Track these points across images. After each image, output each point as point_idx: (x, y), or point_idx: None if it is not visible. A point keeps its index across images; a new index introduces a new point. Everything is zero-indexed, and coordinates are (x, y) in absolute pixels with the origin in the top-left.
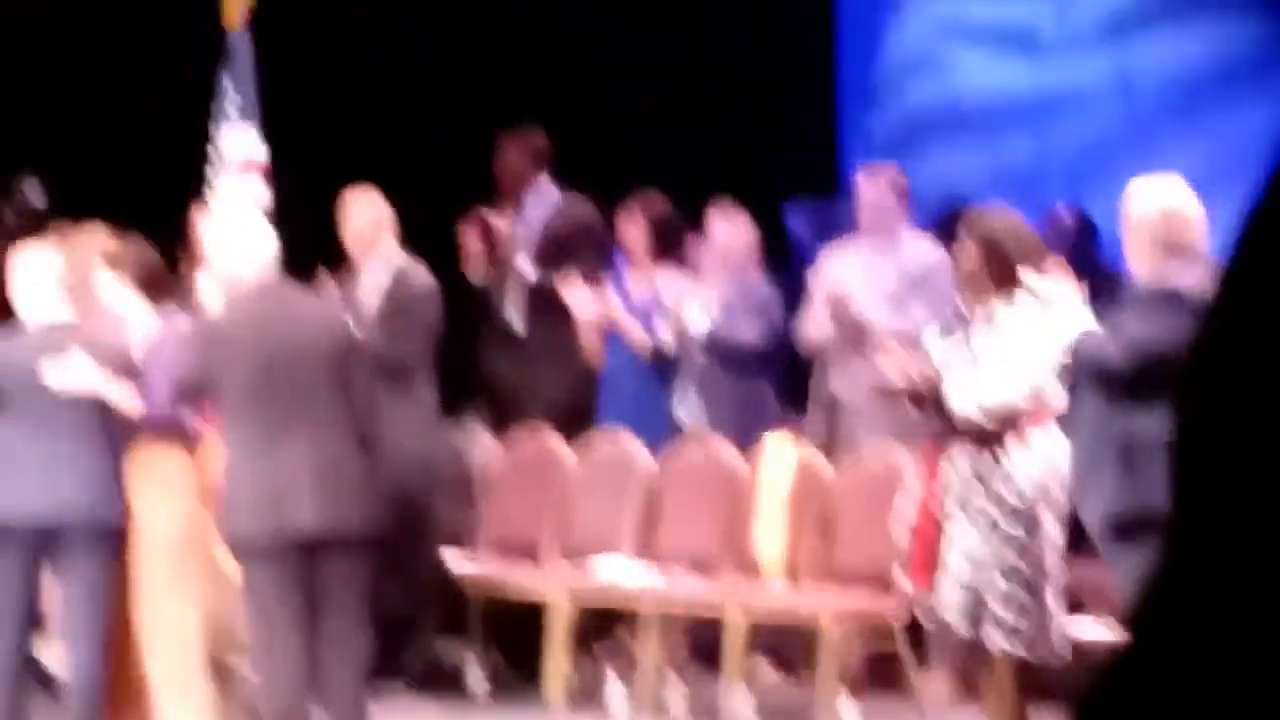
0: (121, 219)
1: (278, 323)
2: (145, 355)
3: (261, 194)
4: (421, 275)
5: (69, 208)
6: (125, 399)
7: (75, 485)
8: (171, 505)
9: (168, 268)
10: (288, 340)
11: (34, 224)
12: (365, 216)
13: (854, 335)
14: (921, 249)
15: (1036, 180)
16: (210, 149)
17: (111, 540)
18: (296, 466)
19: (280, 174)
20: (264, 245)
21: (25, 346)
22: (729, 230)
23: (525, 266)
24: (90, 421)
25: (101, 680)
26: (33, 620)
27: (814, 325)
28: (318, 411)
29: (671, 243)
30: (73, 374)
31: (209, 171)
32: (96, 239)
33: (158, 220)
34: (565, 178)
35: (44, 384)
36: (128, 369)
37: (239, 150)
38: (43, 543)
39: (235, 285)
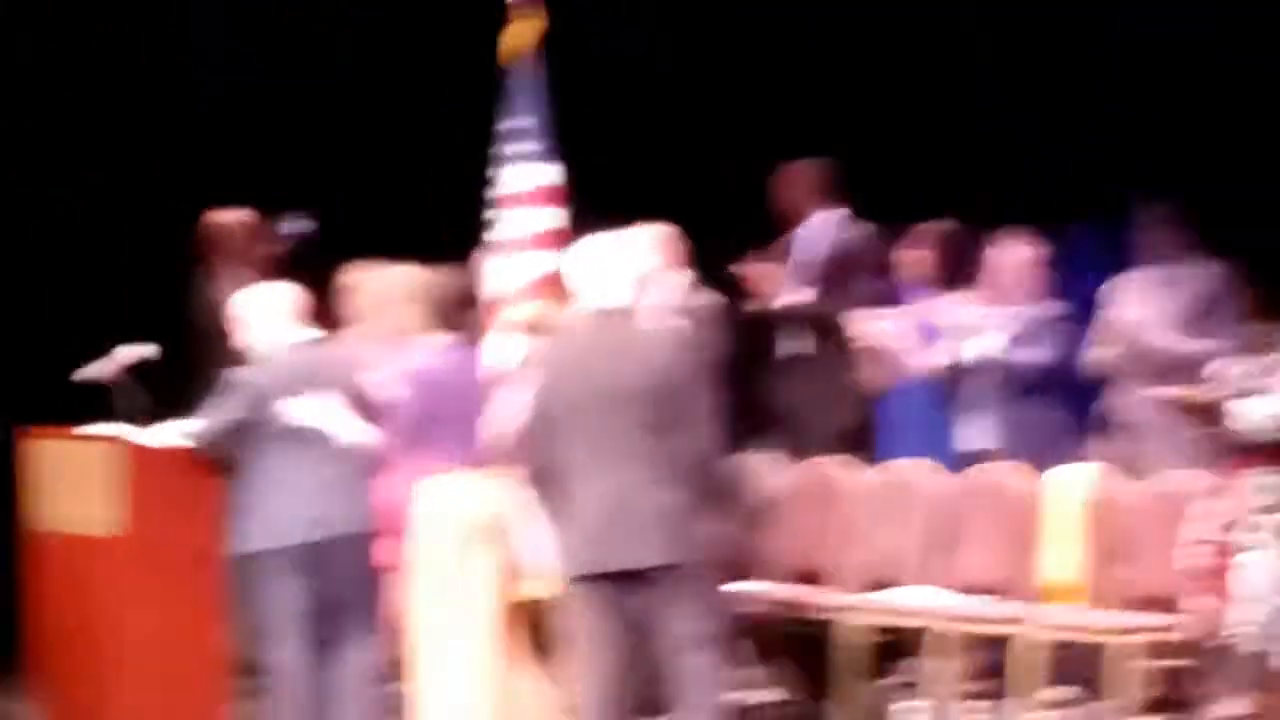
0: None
1: (609, 352)
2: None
3: (555, 219)
4: (704, 298)
5: (356, 247)
6: (354, 434)
7: (336, 503)
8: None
9: (464, 300)
10: (618, 370)
11: (299, 255)
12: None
13: (1145, 358)
14: (1209, 275)
15: None
16: (490, 188)
17: (366, 548)
18: (618, 499)
19: (570, 203)
20: (621, 273)
21: (280, 377)
22: (1018, 254)
23: (805, 293)
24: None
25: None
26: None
27: (1104, 349)
28: (643, 443)
29: (959, 267)
30: (308, 410)
31: (488, 210)
32: (391, 270)
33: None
34: (851, 205)
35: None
36: (367, 402)
37: (528, 180)
38: (311, 558)
39: (581, 313)
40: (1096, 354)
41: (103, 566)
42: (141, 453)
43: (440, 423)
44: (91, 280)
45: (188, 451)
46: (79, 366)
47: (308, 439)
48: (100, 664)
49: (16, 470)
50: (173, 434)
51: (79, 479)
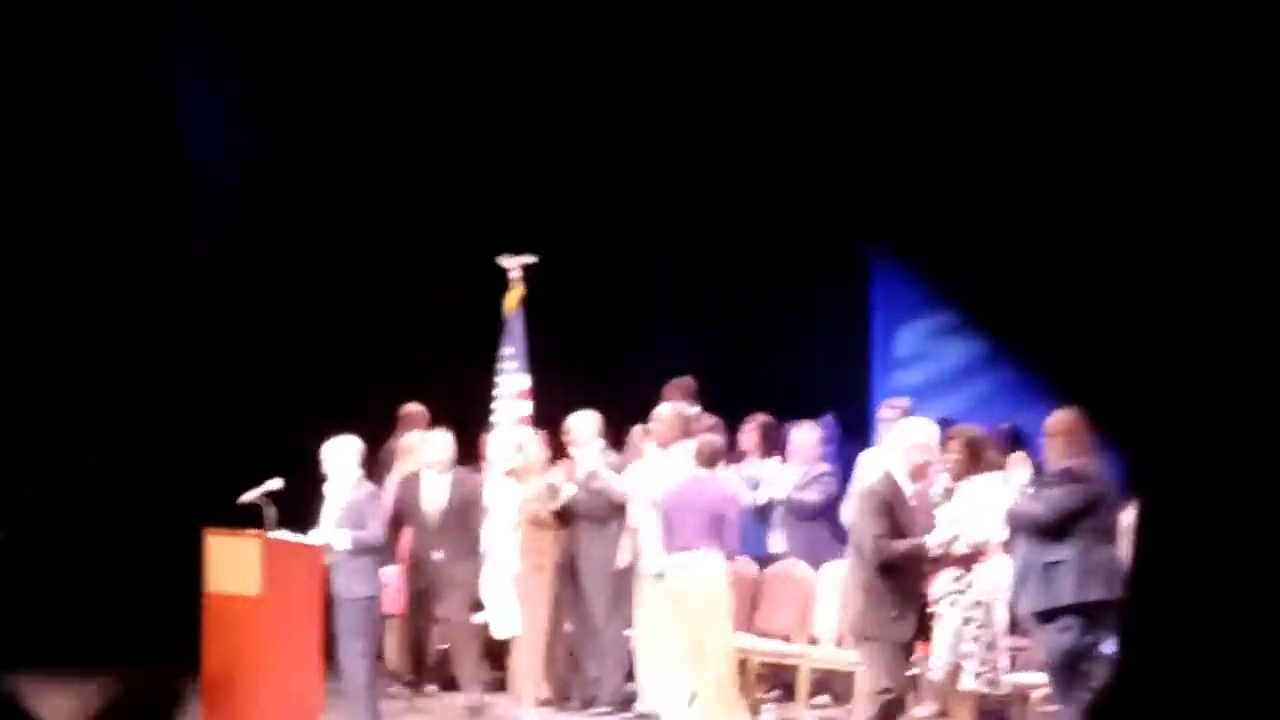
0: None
1: None
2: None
3: (526, 409)
4: None
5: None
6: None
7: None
8: None
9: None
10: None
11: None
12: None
13: None
14: None
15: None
16: (497, 386)
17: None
18: None
19: (536, 396)
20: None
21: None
22: (806, 435)
23: None
24: None
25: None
26: None
27: (848, 508)
28: None
29: (773, 440)
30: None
31: (496, 400)
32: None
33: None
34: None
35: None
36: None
37: (515, 384)
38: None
39: None
40: (845, 510)
41: (248, 613)
42: (272, 545)
43: None
44: (240, 441)
45: (302, 545)
46: (243, 493)
47: None
48: (243, 673)
49: (204, 555)
50: (332, 538)
51: (237, 560)
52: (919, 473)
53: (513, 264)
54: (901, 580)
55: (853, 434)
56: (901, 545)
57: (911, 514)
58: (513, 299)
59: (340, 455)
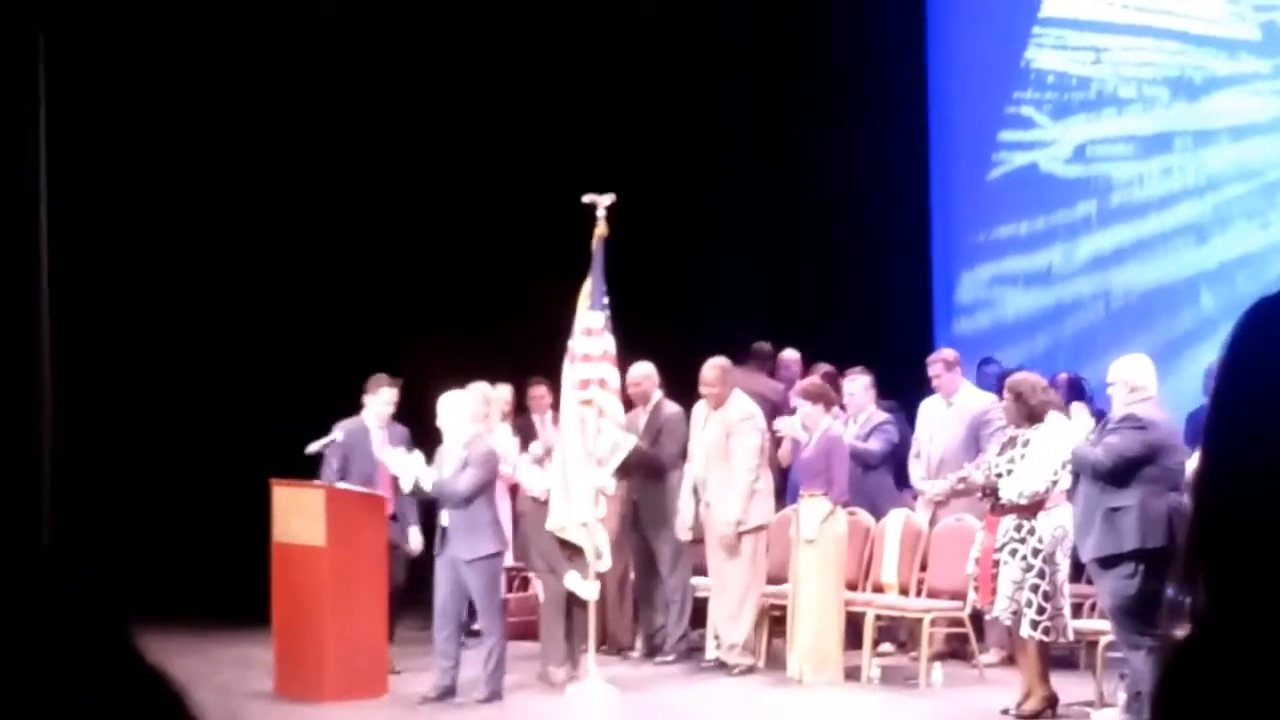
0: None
1: None
2: None
3: (610, 343)
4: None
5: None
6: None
7: None
8: None
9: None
10: None
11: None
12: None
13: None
14: (976, 400)
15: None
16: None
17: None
18: None
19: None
20: None
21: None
22: (860, 384)
23: None
24: None
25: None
26: None
27: (915, 459)
28: None
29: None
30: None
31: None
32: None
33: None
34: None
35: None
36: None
37: (593, 320)
38: None
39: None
40: (911, 463)
41: (314, 563)
42: (336, 495)
43: None
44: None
45: (366, 495)
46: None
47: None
48: (311, 621)
49: (271, 505)
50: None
51: (303, 511)
52: None
53: (600, 201)
54: None
55: (919, 384)
56: None
57: None
58: (599, 234)
59: (453, 408)
